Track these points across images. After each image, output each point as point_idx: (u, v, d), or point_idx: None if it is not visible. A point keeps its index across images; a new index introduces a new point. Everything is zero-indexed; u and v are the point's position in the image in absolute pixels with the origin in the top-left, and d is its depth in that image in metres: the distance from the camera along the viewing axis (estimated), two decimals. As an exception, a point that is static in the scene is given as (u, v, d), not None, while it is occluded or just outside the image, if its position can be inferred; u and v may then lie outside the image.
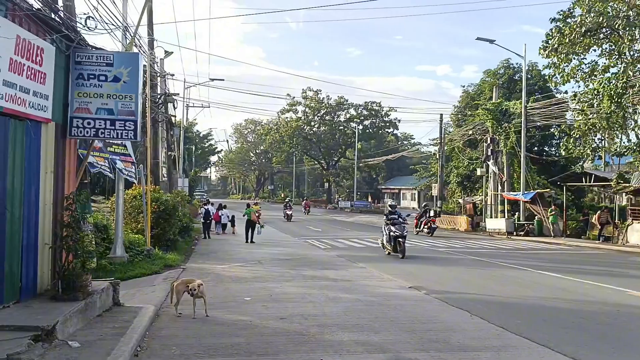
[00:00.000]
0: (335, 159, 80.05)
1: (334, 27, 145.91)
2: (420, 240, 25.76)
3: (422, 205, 32.49)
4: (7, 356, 5.10)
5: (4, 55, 6.35)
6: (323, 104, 74.96)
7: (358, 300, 10.18)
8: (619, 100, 22.47)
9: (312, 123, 77.06)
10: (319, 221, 40.99)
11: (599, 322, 8.59)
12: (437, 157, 43.46)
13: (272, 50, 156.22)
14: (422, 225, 29.56)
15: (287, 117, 76.39)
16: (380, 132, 78.71)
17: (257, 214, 23.26)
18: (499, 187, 34.37)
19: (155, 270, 13.27)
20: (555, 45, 24.60)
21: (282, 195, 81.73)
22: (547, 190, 31.27)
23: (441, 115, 42.56)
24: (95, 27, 8.83)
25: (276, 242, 23.14)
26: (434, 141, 49.25)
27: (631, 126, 25.40)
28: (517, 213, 31.77)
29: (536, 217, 30.13)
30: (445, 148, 41.68)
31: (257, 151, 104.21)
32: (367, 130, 76.56)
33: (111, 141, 12.18)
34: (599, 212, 26.54)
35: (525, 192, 30.31)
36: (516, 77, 39.84)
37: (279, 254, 18.67)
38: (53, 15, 7.64)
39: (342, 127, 76.33)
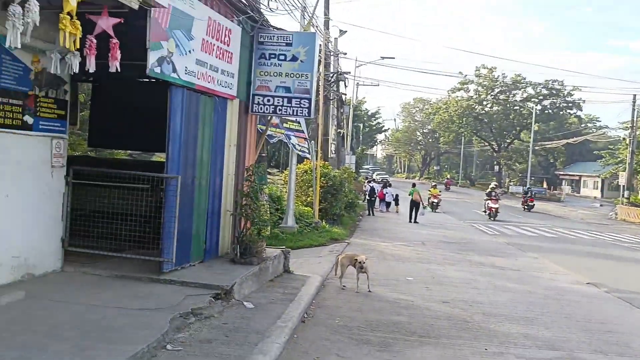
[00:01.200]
0: (508, 140, 75.56)
1: (516, 2, 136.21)
2: (601, 232, 23.36)
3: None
4: (191, 310, 5.69)
5: (197, 36, 6.96)
6: (497, 82, 70.94)
7: (528, 292, 9.56)
8: None
9: (485, 102, 73.45)
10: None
11: None
12: (628, 142, 38.84)
13: (447, 25, 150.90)
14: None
15: (457, 96, 73.82)
16: (561, 113, 72.40)
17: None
18: None
19: (321, 242, 13.84)
20: None
21: (449, 176, 79.52)
22: None
23: (634, 96, 37.88)
24: (277, 8, 9.29)
25: (440, 225, 22.69)
26: (624, 124, 44.15)
27: None
28: None
29: None
30: (637, 133, 37.03)
31: (425, 130, 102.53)
32: (546, 111, 70.88)
33: (287, 118, 12.85)
34: None
35: None
36: None
37: (443, 236, 18.28)
38: (240, -2, 8.18)
39: (517, 107, 71.58)
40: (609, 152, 53.18)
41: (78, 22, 4.62)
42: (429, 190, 23.90)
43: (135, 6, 5.06)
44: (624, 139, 43.80)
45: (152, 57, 6.07)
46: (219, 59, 7.58)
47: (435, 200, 28.25)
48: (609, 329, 7.26)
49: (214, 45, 7.38)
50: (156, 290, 6.27)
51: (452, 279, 10.38)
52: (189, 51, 6.84)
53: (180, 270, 6.96)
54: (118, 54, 5.28)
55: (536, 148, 66.37)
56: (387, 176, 61.79)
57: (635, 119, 37.07)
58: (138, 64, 6.13)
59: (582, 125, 75.47)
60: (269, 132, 11.90)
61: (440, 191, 26.14)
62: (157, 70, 6.24)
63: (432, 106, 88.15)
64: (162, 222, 6.84)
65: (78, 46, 4.78)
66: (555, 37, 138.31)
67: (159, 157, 14.54)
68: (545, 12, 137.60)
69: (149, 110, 8.30)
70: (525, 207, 35.37)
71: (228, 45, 7.76)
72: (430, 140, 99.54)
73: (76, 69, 5.40)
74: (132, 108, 9.39)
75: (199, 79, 7.12)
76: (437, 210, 26.94)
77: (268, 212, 11.44)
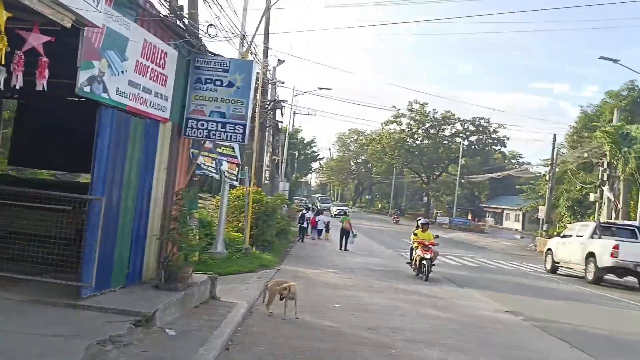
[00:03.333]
0: (437, 173, 78.43)
1: (448, 41, 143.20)
2: (521, 263, 24.53)
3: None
4: (109, 337, 5.49)
5: (132, 57, 6.90)
6: (428, 117, 73.84)
7: (449, 319, 9.89)
8: None
9: (416, 136, 76.13)
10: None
11: None
12: (547, 178, 41.24)
13: (381, 62, 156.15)
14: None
15: (390, 129, 76.11)
16: (486, 149, 76.14)
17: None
18: (613, 215, 31.87)
19: (251, 268, 13.74)
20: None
21: (380, 206, 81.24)
22: (671, 223, 28.54)
23: (554, 135, 40.58)
24: (216, 34, 9.35)
25: (369, 252, 23.07)
26: (545, 162, 46.80)
27: None
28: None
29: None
30: (557, 170, 39.44)
31: (358, 161, 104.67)
32: (473, 146, 74.34)
33: (221, 142, 12.82)
34: None
35: (644, 222, 27.86)
36: (640, 100, 36.92)
37: (371, 263, 18.60)
38: (178, 22, 8.20)
39: (446, 142, 74.72)
40: (530, 187, 56.15)
41: (5, 37, 4.50)
42: (414, 235, 15.99)
43: (68, 25, 4.99)
44: (544, 175, 46.40)
45: (82, 77, 5.97)
46: (153, 81, 7.53)
47: (427, 256, 14.98)
48: (525, 356, 7.64)
49: (148, 67, 7.34)
50: (73, 316, 6.02)
51: (379, 306, 10.58)
52: (122, 72, 6.76)
53: (100, 296, 6.73)
54: (46, 73, 5.15)
55: (462, 181, 69.31)
56: (347, 208, 58.00)
57: (555, 157, 39.41)
58: (67, 82, 6.00)
59: (506, 161, 79.59)
60: (198, 162, 11.81)
61: (436, 236, 16.18)
62: (87, 89, 6.13)
63: (366, 137, 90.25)
64: (82, 245, 6.62)
65: (3, 62, 4.64)
66: (482, 77, 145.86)
67: (86, 178, 14.05)
68: (474, 55, 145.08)
69: (76, 130, 8.10)
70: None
71: (163, 68, 7.73)
72: (364, 170, 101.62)
73: (1, 86, 5.22)
74: (59, 127, 9.12)
75: (130, 100, 7.03)
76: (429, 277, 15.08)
77: (197, 237, 11.28)
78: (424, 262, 15.12)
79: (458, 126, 73.98)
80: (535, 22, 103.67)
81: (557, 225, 42.88)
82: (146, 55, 7.24)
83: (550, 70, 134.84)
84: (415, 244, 15.76)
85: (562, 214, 42.54)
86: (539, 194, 48.89)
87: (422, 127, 74.77)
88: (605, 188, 32.68)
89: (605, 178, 32.65)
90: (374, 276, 15.21)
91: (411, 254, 16.16)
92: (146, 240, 7.94)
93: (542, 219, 40.97)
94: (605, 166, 32.52)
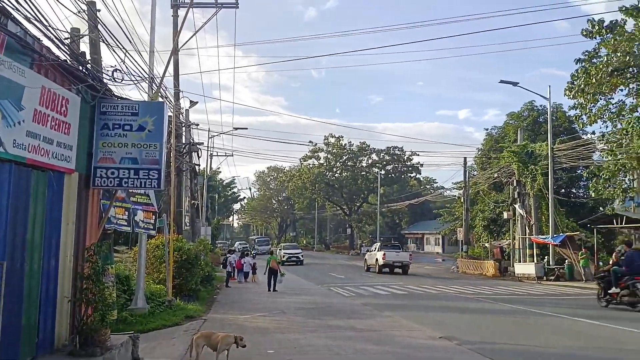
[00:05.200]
0: (358, 204, 79.69)
1: (355, 74, 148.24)
2: (446, 286, 25.05)
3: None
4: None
5: (29, 106, 6.36)
6: (345, 150, 75.28)
7: (386, 352, 9.73)
8: (650, 139, 22.01)
9: (334, 169, 77.29)
10: (342, 267, 40.36)
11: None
12: (462, 200, 42.91)
13: (294, 99, 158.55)
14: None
15: (309, 164, 76.81)
16: (402, 176, 78.49)
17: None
18: (527, 231, 33.56)
19: (176, 321, 12.98)
20: (582, 86, 24.42)
21: (304, 242, 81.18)
22: (577, 233, 30.45)
23: (465, 158, 42.46)
24: (122, 79, 8.90)
25: (299, 290, 22.69)
26: (458, 185, 48.79)
27: (663, 166, 24.70)
28: (546, 257, 30.87)
29: (566, 261, 29.22)
30: (470, 191, 41.16)
31: (280, 198, 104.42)
32: (390, 175, 76.36)
33: (134, 190, 12.15)
34: (614, 253, 25.54)
35: (555, 235, 29.53)
36: (540, 119, 39.64)
37: (303, 302, 18.22)
38: (80, 68, 7.71)
39: (364, 173, 76.31)
40: (447, 210, 58.28)
41: None
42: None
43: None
44: (458, 197, 48.32)
45: (-29, 130, 5.39)
46: (55, 130, 6.97)
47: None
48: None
49: (48, 115, 6.79)
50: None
51: (315, 346, 10.24)
52: (19, 122, 6.20)
53: (6, 372, 5.98)
54: None
55: (383, 210, 70.82)
56: (300, 250, 48.12)
57: (467, 179, 41.13)
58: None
59: (422, 187, 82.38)
60: (110, 214, 11.08)
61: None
62: (-22, 144, 5.53)
63: (285, 174, 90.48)
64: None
65: None
66: (391, 108, 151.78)
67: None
68: (381, 86, 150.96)
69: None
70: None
71: (65, 116, 7.19)
72: (286, 207, 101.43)
73: None
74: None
75: (30, 152, 6.44)
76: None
77: (114, 294, 10.48)
78: None
79: (374, 156, 75.95)
80: (431, 51, 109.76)
81: (476, 245, 44.57)
82: (45, 102, 6.71)
83: (454, 97, 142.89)
84: None
85: (480, 233, 44.27)
86: (455, 216, 50.76)
87: (340, 160, 76.08)
88: (517, 205, 34.44)
89: (516, 196, 34.44)
90: (307, 315, 14.85)
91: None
92: (56, 303, 7.23)
93: (461, 241, 42.40)
94: (515, 184, 34.35)
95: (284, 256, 42.35)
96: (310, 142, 74.58)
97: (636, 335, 11.61)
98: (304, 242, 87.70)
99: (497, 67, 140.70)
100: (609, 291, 16.40)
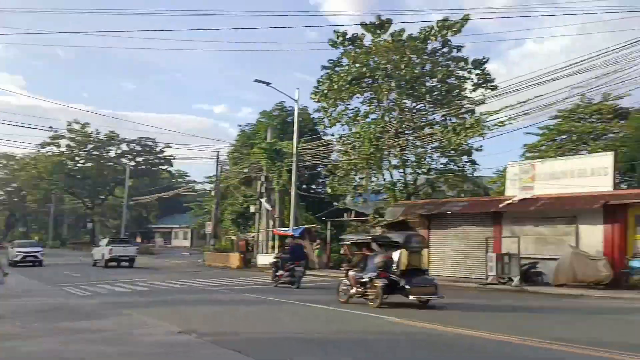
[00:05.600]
0: (102, 197, 74.32)
1: (108, 58, 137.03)
2: (191, 279, 24.83)
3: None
4: None
5: None
6: (91, 138, 69.38)
7: (125, 353, 8.94)
8: (377, 143, 25.10)
9: (77, 158, 70.70)
10: (80, 265, 36.94)
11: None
12: (213, 194, 43.17)
13: (35, 79, 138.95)
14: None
15: (48, 152, 68.75)
16: (154, 169, 75.74)
17: None
18: (272, 224, 35.32)
19: None
20: (325, 91, 26.66)
21: (37, 239, 72.38)
22: (314, 225, 33.14)
23: (217, 153, 42.70)
24: None
25: (27, 292, 19.86)
26: (210, 179, 48.96)
27: (386, 166, 28.48)
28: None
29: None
30: (221, 186, 41.63)
31: (9, 189, 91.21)
32: (140, 167, 73.01)
33: None
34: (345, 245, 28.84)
35: (295, 227, 31.65)
36: (289, 119, 42.02)
37: (29, 304, 15.92)
38: None
39: (112, 164, 71.43)
40: (197, 204, 58.11)
41: None
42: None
43: None
44: (209, 191, 48.51)
45: None
46: None
47: None
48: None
49: None
50: None
51: (38, 352, 8.90)
52: None
53: None
54: None
55: (130, 203, 67.19)
56: (40, 248, 38.01)
57: (219, 174, 41.48)
58: None
59: (173, 180, 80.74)
60: None
61: None
62: None
63: (17, 162, 79.57)
64: None
65: None
66: (145, 97, 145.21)
67: None
68: (136, 74, 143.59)
69: None
70: None
71: None
72: (16, 199, 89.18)
73: None
74: None
75: None
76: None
77: None
78: None
79: (124, 147, 71.69)
80: (191, 41, 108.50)
81: (223, 238, 45.34)
82: None
83: (211, 92, 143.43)
84: None
85: (228, 227, 45.15)
86: (206, 210, 50.93)
87: (84, 149, 69.90)
88: (264, 200, 36.03)
89: (263, 190, 36.00)
90: (33, 319, 12.93)
91: None
92: None
93: (209, 234, 42.67)
94: (263, 179, 35.85)
95: (16, 255, 35.65)
96: (50, 127, 66.93)
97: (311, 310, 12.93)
98: (36, 238, 78.19)
99: (254, 66, 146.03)
100: (277, 273, 21.17)
